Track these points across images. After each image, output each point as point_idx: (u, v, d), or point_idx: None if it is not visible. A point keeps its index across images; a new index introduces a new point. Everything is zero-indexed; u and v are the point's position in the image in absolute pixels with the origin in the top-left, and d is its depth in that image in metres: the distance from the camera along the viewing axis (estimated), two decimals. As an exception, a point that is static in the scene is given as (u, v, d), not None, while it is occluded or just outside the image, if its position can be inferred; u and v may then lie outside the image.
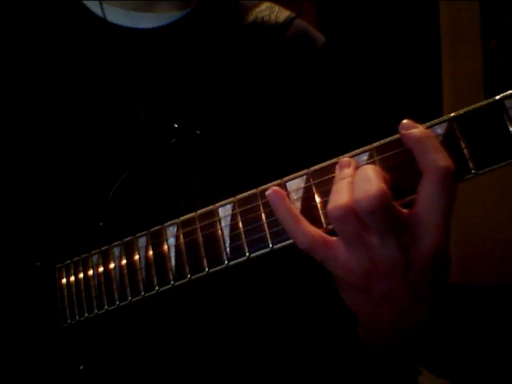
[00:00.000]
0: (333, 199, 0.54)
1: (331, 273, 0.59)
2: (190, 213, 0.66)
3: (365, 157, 0.56)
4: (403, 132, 0.53)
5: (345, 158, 0.57)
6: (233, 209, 0.63)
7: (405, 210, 0.53)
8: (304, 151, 0.80)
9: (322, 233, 0.56)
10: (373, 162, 0.56)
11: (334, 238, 0.56)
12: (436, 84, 2.42)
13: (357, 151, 0.57)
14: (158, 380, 0.77)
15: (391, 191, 0.52)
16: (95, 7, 0.82)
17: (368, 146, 0.56)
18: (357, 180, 0.53)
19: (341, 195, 0.53)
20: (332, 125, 0.85)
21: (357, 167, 0.55)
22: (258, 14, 0.86)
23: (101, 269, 0.71)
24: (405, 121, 0.53)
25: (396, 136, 0.55)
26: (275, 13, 0.87)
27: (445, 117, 0.53)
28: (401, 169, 0.54)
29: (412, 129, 0.53)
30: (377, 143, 0.56)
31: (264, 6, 0.88)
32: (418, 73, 2.44)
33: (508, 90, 0.52)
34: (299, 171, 0.60)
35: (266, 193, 0.58)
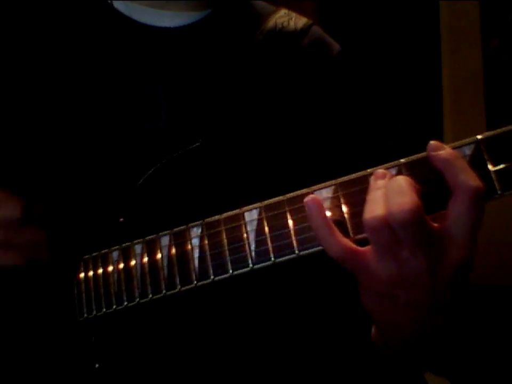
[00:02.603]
0: (370, 209, 0.56)
1: (353, 280, 0.61)
2: (214, 215, 0.67)
3: (394, 171, 0.58)
4: (432, 153, 0.55)
5: (380, 170, 0.58)
6: (259, 214, 0.64)
7: (435, 225, 0.55)
8: (321, 159, 0.82)
9: (353, 245, 0.58)
10: None
11: (364, 248, 0.58)
12: (436, 83, 2.44)
13: (386, 165, 0.59)
14: (173, 381, 0.78)
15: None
16: (119, 4, 0.83)
17: (396, 162, 0.58)
18: (391, 191, 0.55)
19: (377, 206, 0.55)
20: (346, 133, 0.86)
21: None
22: (278, 20, 0.87)
23: (121, 266, 0.72)
24: (432, 142, 0.56)
25: (423, 154, 0.57)
26: (293, 19, 0.89)
27: (472, 139, 0.55)
28: (428, 185, 0.56)
29: (440, 150, 0.55)
30: (405, 159, 0.58)
31: (283, 12, 0.90)
32: (418, 73, 2.44)
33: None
34: (326, 178, 0.62)
35: (305, 200, 0.59)
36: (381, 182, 0.57)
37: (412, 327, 0.63)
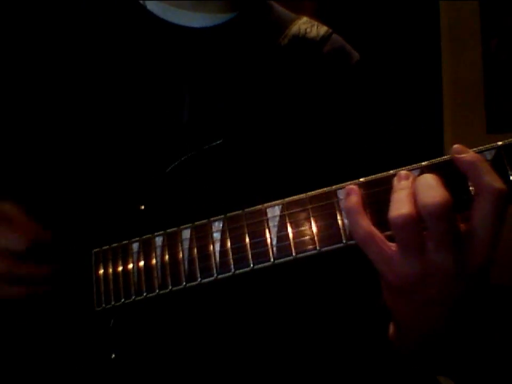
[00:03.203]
0: (395, 207, 0.58)
1: (373, 278, 0.63)
2: (232, 210, 0.69)
3: (416, 173, 0.60)
4: (457, 156, 0.58)
5: (403, 171, 0.61)
6: (282, 211, 0.66)
7: (460, 224, 0.58)
8: (340, 159, 0.85)
9: (380, 234, 0.60)
10: None
11: (390, 243, 0.60)
12: (436, 84, 2.45)
13: (408, 167, 0.61)
14: (188, 375, 0.80)
15: None
16: (148, 3, 0.85)
17: (418, 164, 0.61)
18: (421, 187, 0.57)
19: (403, 204, 0.57)
20: (362, 136, 0.89)
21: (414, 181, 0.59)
22: (301, 26, 0.90)
23: (141, 257, 0.73)
24: (456, 145, 0.58)
25: (445, 157, 0.60)
26: (315, 26, 0.91)
27: (493, 145, 0.58)
28: (449, 187, 0.58)
29: (464, 153, 0.58)
30: (427, 162, 0.61)
31: (305, 19, 0.92)
32: (418, 73, 2.46)
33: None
34: (345, 178, 0.65)
35: (346, 187, 0.63)
36: (404, 183, 0.59)
37: (431, 325, 0.65)
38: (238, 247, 0.68)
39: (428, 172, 0.60)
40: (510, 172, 0.57)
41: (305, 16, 0.93)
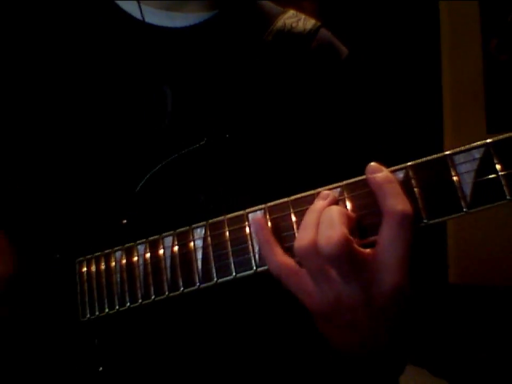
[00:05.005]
0: (300, 236, 0.57)
1: None
2: (216, 216, 0.67)
3: (336, 193, 0.59)
4: (368, 175, 0.56)
5: (324, 191, 0.59)
6: (264, 215, 0.63)
7: (367, 251, 0.56)
8: (326, 161, 0.82)
9: (294, 263, 0.59)
10: (343, 200, 0.58)
11: (303, 269, 0.59)
12: (436, 84, 2.44)
13: (329, 186, 0.60)
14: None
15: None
16: (125, 5, 0.83)
17: (340, 183, 0.59)
18: (322, 222, 0.55)
19: (306, 233, 0.56)
20: (351, 136, 0.86)
21: (334, 201, 0.58)
22: (287, 21, 0.87)
23: (124, 266, 0.71)
24: (371, 164, 0.56)
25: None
26: (302, 20, 0.88)
27: (482, 142, 0.55)
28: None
29: (377, 172, 0.55)
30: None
31: (291, 13, 0.89)
32: (418, 73, 2.45)
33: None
34: (331, 180, 0.62)
35: (250, 219, 0.62)
36: (318, 204, 0.58)
37: (355, 344, 0.64)
38: (220, 255, 0.66)
39: (348, 191, 0.58)
40: (499, 171, 0.54)
41: (292, 9, 0.90)
